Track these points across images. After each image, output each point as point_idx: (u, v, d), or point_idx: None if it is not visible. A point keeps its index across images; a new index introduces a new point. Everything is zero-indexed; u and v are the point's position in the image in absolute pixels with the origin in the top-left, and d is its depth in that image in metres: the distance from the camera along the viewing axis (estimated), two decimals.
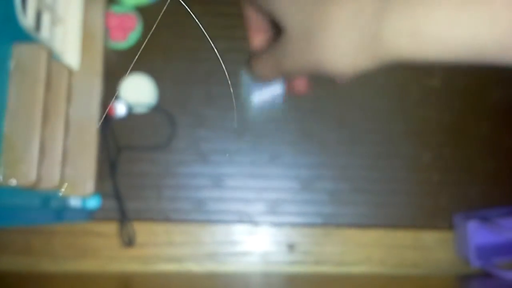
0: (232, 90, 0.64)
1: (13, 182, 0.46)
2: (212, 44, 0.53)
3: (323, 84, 0.68)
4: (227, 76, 0.61)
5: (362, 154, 0.67)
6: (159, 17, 0.56)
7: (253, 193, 0.66)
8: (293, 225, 0.66)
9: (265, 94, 0.60)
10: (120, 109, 0.62)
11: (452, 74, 0.69)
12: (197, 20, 0.51)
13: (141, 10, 0.66)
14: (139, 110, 0.64)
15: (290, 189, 0.67)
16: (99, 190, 0.62)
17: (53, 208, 0.55)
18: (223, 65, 0.57)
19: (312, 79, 0.67)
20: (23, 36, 0.49)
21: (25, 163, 0.46)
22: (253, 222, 0.66)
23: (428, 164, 0.68)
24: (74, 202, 0.60)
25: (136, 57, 0.62)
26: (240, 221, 0.66)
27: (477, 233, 0.63)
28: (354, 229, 0.67)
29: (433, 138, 0.68)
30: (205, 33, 0.52)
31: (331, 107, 0.68)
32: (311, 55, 0.40)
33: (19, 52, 0.47)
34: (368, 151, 0.68)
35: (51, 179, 0.51)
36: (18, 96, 0.46)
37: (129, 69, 0.63)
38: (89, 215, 0.63)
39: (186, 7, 0.45)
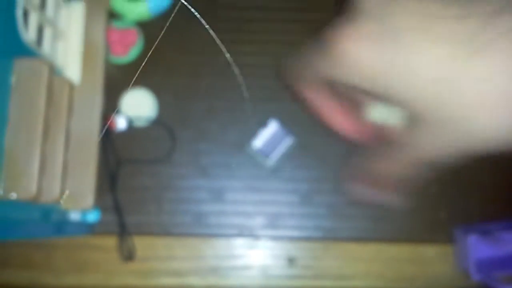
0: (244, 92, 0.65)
1: (14, 195, 0.46)
2: (223, 48, 0.53)
3: None
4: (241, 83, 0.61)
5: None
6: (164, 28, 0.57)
7: (253, 206, 0.66)
8: (293, 239, 0.66)
9: (279, 151, 0.63)
10: (120, 123, 0.63)
11: None
12: (206, 25, 0.52)
13: (142, 25, 0.67)
14: (140, 124, 0.65)
15: (290, 203, 0.67)
16: (99, 203, 0.62)
17: (53, 222, 0.56)
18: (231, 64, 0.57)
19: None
20: (24, 51, 0.49)
21: (26, 176, 0.46)
22: (253, 236, 0.66)
23: (427, 177, 0.68)
24: (74, 215, 0.60)
25: (138, 71, 0.63)
26: (241, 234, 0.66)
27: (478, 247, 0.63)
28: (353, 243, 0.66)
29: None
30: (215, 37, 0.52)
31: None
32: (459, 135, 0.36)
33: (20, 67, 0.48)
34: None
35: (51, 192, 0.51)
36: (19, 111, 0.47)
37: (130, 84, 0.63)
38: (89, 228, 0.63)
39: (196, 13, 0.46)
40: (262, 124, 0.66)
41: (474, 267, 0.62)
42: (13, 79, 0.47)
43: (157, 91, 0.67)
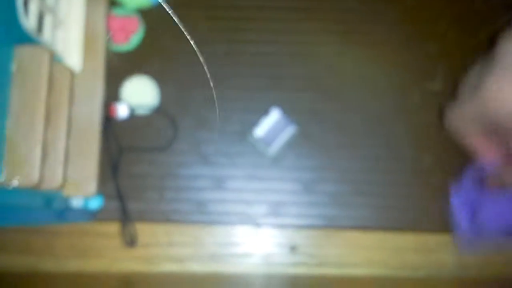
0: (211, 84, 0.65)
1: (16, 182, 0.46)
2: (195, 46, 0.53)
3: (322, 87, 0.68)
4: (209, 78, 0.61)
5: (363, 157, 0.68)
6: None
7: (255, 195, 0.67)
8: (295, 227, 0.66)
9: (281, 140, 0.63)
10: (122, 111, 0.63)
11: (453, 77, 0.69)
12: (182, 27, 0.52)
13: (143, 13, 0.67)
14: (141, 112, 0.65)
15: (292, 192, 0.67)
16: (101, 190, 0.63)
17: (55, 209, 0.56)
18: (205, 69, 0.57)
19: (310, 82, 0.68)
20: (25, 38, 0.49)
21: (28, 164, 0.46)
22: (255, 224, 0.66)
23: (429, 167, 0.68)
24: (76, 202, 0.60)
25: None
26: (242, 222, 0.66)
27: (468, 195, 0.63)
28: (355, 231, 0.67)
29: (434, 142, 0.68)
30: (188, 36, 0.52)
31: (331, 110, 0.68)
32: None
33: (21, 54, 0.48)
34: (369, 154, 0.68)
35: (53, 179, 0.51)
36: (20, 98, 0.47)
37: (132, 72, 0.63)
38: (91, 215, 0.64)
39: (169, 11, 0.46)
40: (264, 112, 0.66)
41: (464, 217, 0.62)
42: (14, 67, 0.48)
43: (158, 79, 0.66)
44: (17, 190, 0.47)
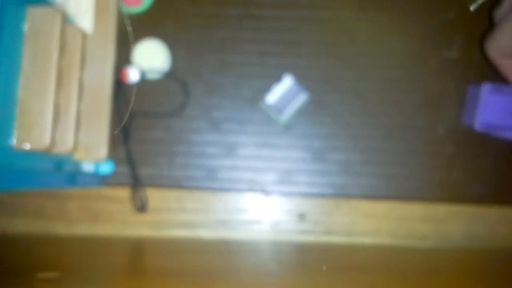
0: None
1: (27, 145, 0.46)
2: None
3: (337, 54, 0.67)
4: None
5: (375, 125, 0.67)
6: None
7: (265, 162, 0.66)
8: (304, 195, 0.66)
9: (293, 107, 0.62)
10: (133, 75, 0.62)
11: (470, 46, 0.68)
12: None
13: None
14: (152, 76, 0.64)
15: (302, 160, 0.66)
16: (112, 155, 0.62)
17: (66, 173, 0.56)
18: None
19: (326, 48, 0.67)
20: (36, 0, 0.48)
21: (40, 127, 0.46)
22: (264, 191, 0.66)
23: (442, 137, 0.67)
24: (87, 167, 0.60)
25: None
26: (252, 189, 0.66)
27: (490, 96, 0.63)
28: (364, 200, 0.66)
29: (448, 111, 0.67)
30: None
31: (346, 78, 0.67)
32: None
33: (33, 14, 0.47)
34: (382, 123, 0.67)
35: (65, 143, 0.51)
36: (32, 60, 0.46)
37: (143, 34, 0.62)
38: (102, 180, 0.64)
39: None
40: (277, 79, 0.65)
41: (480, 116, 0.63)
42: (26, 27, 0.47)
43: (170, 42, 0.65)
44: (28, 153, 0.47)
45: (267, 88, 0.65)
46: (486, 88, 0.63)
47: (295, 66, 0.67)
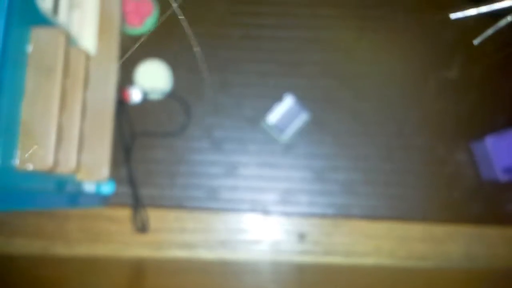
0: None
1: (30, 166, 0.46)
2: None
3: (337, 74, 0.68)
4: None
5: (376, 145, 0.67)
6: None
7: (266, 182, 0.66)
8: (305, 215, 0.66)
9: (294, 127, 0.63)
10: (135, 95, 0.62)
11: (469, 66, 0.69)
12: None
13: None
14: (155, 96, 0.64)
15: (303, 179, 0.66)
16: (114, 175, 0.62)
17: (68, 193, 0.56)
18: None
19: (326, 68, 0.67)
20: (41, 20, 0.48)
21: (42, 148, 0.46)
22: (265, 212, 0.66)
23: (442, 157, 0.67)
24: (89, 187, 0.60)
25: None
26: (253, 210, 0.66)
27: (497, 146, 0.63)
28: (364, 220, 0.66)
29: (448, 130, 0.68)
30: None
31: (346, 98, 0.68)
32: None
33: (37, 36, 0.47)
34: (382, 143, 0.67)
35: (67, 163, 0.51)
36: (36, 81, 0.46)
37: (145, 55, 0.62)
38: (103, 200, 0.63)
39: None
40: (278, 99, 0.65)
41: (499, 166, 0.62)
42: (30, 48, 0.47)
43: (172, 63, 0.66)
44: (31, 174, 0.47)
45: (268, 108, 0.65)
46: (490, 141, 0.63)
47: (296, 86, 0.67)
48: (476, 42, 0.67)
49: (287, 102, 0.64)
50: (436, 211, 0.67)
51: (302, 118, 0.65)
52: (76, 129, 0.51)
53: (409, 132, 0.67)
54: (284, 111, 0.64)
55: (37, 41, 0.47)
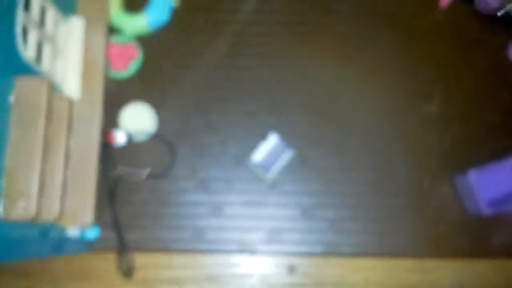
0: None
1: (14, 215, 0.45)
2: None
3: (320, 110, 0.68)
4: None
5: (362, 180, 0.67)
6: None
7: (253, 221, 0.66)
8: (293, 253, 0.66)
9: (279, 165, 0.63)
10: (120, 138, 0.62)
11: (450, 99, 0.70)
12: None
13: (142, 40, 0.67)
14: (139, 138, 0.64)
15: (290, 217, 0.66)
16: (99, 219, 0.62)
17: (52, 240, 0.55)
18: None
19: (309, 104, 0.68)
20: (23, 68, 0.49)
21: (26, 197, 0.46)
22: (253, 251, 0.65)
23: (428, 190, 0.68)
24: (73, 232, 0.59)
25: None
26: (240, 250, 0.65)
27: (480, 180, 0.63)
28: (353, 257, 0.66)
29: (433, 163, 0.68)
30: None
31: (330, 133, 0.68)
32: None
33: (20, 85, 0.47)
34: (368, 178, 0.67)
35: (50, 211, 0.50)
36: (19, 130, 0.46)
37: (130, 98, 0.63)
38: (88, 245, 0.63)
39: None
40: (262, 136, 0.66)
41: (482, 200, 0.62)
42: (12, 98, 0.47)
43: (156, 105, 0.66)
44: (14, 223, 0.47)
45: (252, 146, 0.66)
46: (473, 175, 0.64)
47: (280, 122, 0.68)
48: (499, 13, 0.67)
49: (271, 141, 0.65)
50: (424, 246, 0.67)
51: (287, 155, 0.65)
52: (59, 177, 0.51)
53: (395, 166, 0.68)
54: (268, 149, 0.65)
55: (20, 90, 0.47)
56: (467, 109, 0.70)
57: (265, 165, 0.64)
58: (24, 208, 0.45)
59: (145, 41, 0.67)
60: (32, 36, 0.50)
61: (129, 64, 0.65)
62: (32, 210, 0.46)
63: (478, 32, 0.71)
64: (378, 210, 0.67)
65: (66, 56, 0.57)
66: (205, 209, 0.66)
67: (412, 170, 0.68)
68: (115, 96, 0.65)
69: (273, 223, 0.66)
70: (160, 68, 0.67)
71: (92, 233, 0.61)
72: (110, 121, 0.63)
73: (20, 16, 0.47)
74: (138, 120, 0.64)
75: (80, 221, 0.57)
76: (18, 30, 0.47)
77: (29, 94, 0.47)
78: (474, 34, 0.71)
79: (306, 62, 0.70)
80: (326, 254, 0.66)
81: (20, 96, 0.47)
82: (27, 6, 0.49)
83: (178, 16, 0.69)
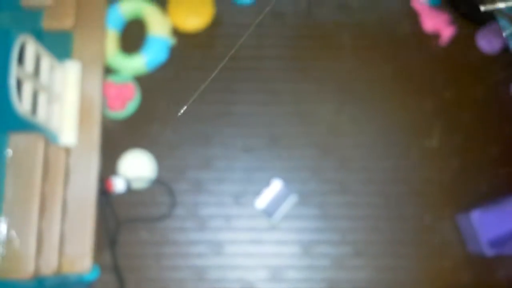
0: None
1: (12, 276, 0.45)
2: None
3: (319, 146, 0.68)
4: None
5: (363, 217, 0.67)
6: None
7: (254, 259, 0.65)
8: None
9: (284, 209, 0.63)
10: (119, 185, 0.61)
11: (449, 134, 0.69)
12: None
13: (139, 80, 0.66)
14: (139, 185, 0.63)
15: (291, 255, 0.66)
16: (98, 261, 0.61)
17: (50, 286, 0.54)
18: None
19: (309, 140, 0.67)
20: (19, 123, 0.48)
21: (23, 257, 0.45)
22: None
23: (430, 226, 0.67)
24: (73, 276, 0.58)
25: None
26: None
27: (483, 220, 0.62)
28: None
29: (434, 198, 0.68)
30: None
31: (330, 170, 0.67)
32: None
33: (16, 142, 0.46)
34: (368, 214, 0.67)
35: (49, 266, 0.50)
36: (15, 188, 0.46)
37: (127, 145, 0.62)
38: (87, 286, 0.62)
39: None
40: (260, 169, 0.65)
41: (484, 242, 0.62)
42: (8, 155, 0.46)
43: (153, 144, 0.66)
44: (12, 282, 0.46)
45: (251, 181, 0.65)
46: (476, 216, 0.63)
47: (278, 157, 0.67)
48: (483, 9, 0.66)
49: (275, 187, 0.64)
50: (426, 282, 0.66)
51: (291, 200, 0.65)
52: (56, 230, 0.50)
53: (396, 202, 0.67)
54: (272, 195, 0.64)
55: (16, 147, 0.46)
56: (468, 143, 0.69)
57: (269, 211, 0.64)
58: (22, 270, 0.45)
59: (142, 80, 0.66)
60: (27, 88, 0.49)
61: (127, 104, 0.64)
62: (29, 270, 0.45)
63: (479, 67, 0.71)
64: (379, 246, 0.66)
65: (62, 101, 0.56)
66: (205, 248, 0.65)
67: (413, 206, 0.67)
68: (113, 138, 0.64)
69: (275, 260, 0.65)
70: (158, 107, 0.67)
71: (91, 275, 0.60)
72: (108, 165, 0.63)
73: (14, 70, 0.46)
74: (137, 167, 0.63)
75: (79, 267, 0.56)
76: (13, 84, 0.47)
77: (25, 151, 0.46)
78: (475, 68, 0.71)
79: (306, 97, 0.69)
80: None
81: (16, 153, 0.46)
82: (21, 58, 0.48)
83: (175, 55, 0.68)
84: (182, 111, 0.62)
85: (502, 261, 0.66)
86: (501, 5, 0.42)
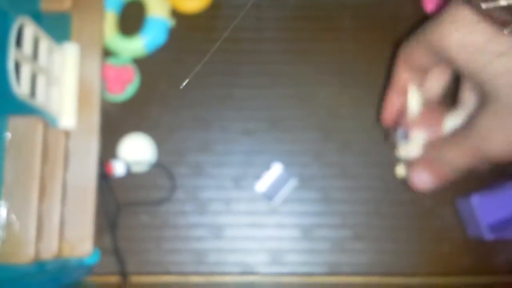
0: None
1: (12, 260, 0.45)
2: None
3: (321, 128, 0.67)
4: None
5: (364, 201, 0.67)
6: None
7: (254, 243, 0.65)
8: (296, 274, 0.65)
9: (284, 193, 0.63)
10: (119, 169, 0.61)
11: None
12: None
13: (138, 62, 0.65)
14: (138, 168, 0.63)
15: (291, 238, 0.66)
16: (98, 244, 0.61)
17: (49, 271, 0.54)
18: None
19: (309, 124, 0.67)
20: (17, 105, 0.47)
21: (23, 241, 0.45)
22: (254, 273, 0.65)
23: (429, 210, 0.67)
24: (73, 260, 0.58)
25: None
26: (242, 273, 0.65)
27: (483, 205, 0.62)
28: (356, 277, 0.66)
29: None
30: None
31: (331, 153, 0.67)
32: None
33: (15, 125, 0.46)
34: (370, 198, 0.67)
35: (49, 250, 0.50)
36: (14, 172, 0.45)
37: (127, 128, 0.61)
38: (88, 270, 0.62)
39: None
40: (261, 153, 0.65)
41: (484, 226, 0.61)
42: (7, 138, 0.46)
43: (152, 127, 0.65)
44: (12, 266, 0.46)
45: (251, 164, 0.65)
46: (476, 200, 0.63)
47: (278, 140, 0.67)
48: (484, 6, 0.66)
49: (275, 170, 0.64)
50: (426, 265, 0.66)
51: (291, 184, 0.64)
52: (57, 214, 0.50)
53: (397, 186, 0.67)
54: (272, 179, 0.64)
55: (14, 130, 0.46)
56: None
57: (269, 195, 0.64)
58: (22, 254, 0.45)
59: (141, 63, 0.66)
60: (25, 71, 0.49)
61: (126, 87, 0.63)
62: (30, 255, 0.45)
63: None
64: (379, 230, 0.66)
65: (61, 84, 0.56)
66: (205, 231, 0.65)
67: (413, 190, 0.67)
68: (112, 121, 0.63)
69: (275, 244, 0.65)
70: (157, 90, 0.66)
71: (92, 259, 0.60)
72: (108, 149, 0.62)
73: (12, 52, 0.46)
74: (137, 151, 0.62)
75: (79, 252, 0.56)
76: (11, 67, 0.46)
77: (24, 134, 0.46)
78: None
79: (306, 80, 0.69)
80: (328, 274, 0.66)
81: (15, 136, 0.46)
82: (19, 41, 0.48)
83: (174, 36, 0.67)
84: (184, 84, 0.62)
85: (502, 246, 0.66)
86: (503, 3, 0.42)
